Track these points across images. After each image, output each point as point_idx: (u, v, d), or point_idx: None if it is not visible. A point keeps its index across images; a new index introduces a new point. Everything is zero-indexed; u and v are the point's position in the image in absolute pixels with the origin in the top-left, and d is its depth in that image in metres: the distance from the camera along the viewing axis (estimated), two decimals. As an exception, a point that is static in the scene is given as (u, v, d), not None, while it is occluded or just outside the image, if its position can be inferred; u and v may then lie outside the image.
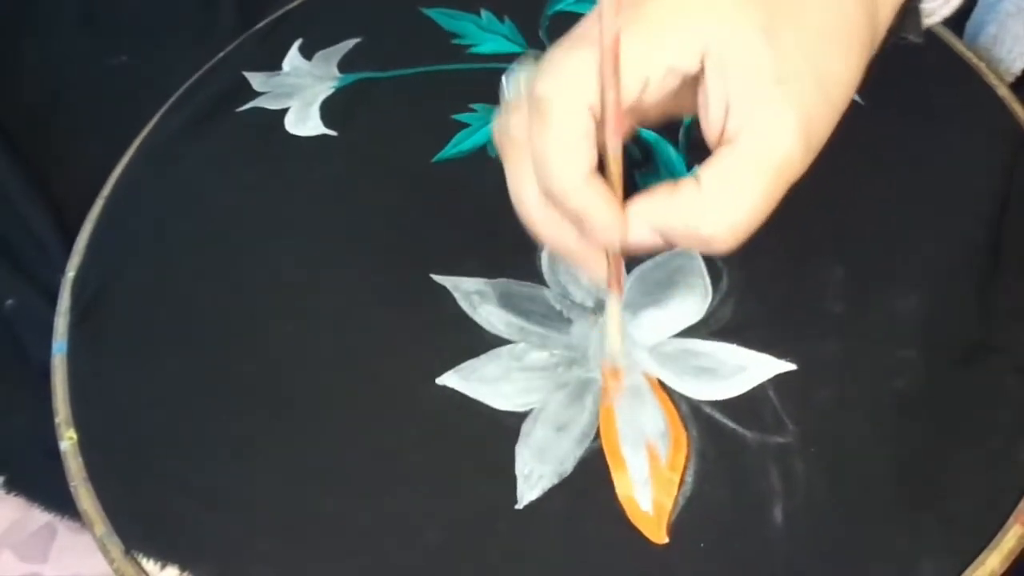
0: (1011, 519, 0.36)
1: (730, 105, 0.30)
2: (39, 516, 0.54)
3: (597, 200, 0.29)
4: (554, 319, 0.43)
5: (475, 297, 0.44)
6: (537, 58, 0.31)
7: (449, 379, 0.41)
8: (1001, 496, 0.37)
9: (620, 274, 0.33)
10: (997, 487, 0.37)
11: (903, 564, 0.35)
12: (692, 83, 0.31)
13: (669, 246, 0.31)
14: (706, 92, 0.30)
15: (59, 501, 0.52)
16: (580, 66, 0.28)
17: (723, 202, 0.29)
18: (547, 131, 0.28)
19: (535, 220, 0.31)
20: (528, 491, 0.38)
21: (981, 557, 0.35)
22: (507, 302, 0.43)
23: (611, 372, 0.40)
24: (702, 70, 0.30)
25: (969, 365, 0.40)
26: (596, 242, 0.31)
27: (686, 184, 0.29)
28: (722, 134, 0.30)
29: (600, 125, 0.29)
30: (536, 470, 0.38)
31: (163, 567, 0.38)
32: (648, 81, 0.29)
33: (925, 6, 0.38)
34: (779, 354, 0.40)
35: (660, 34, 0.29)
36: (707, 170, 0.29)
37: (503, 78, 0.33)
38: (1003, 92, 0.49)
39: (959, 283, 0.42)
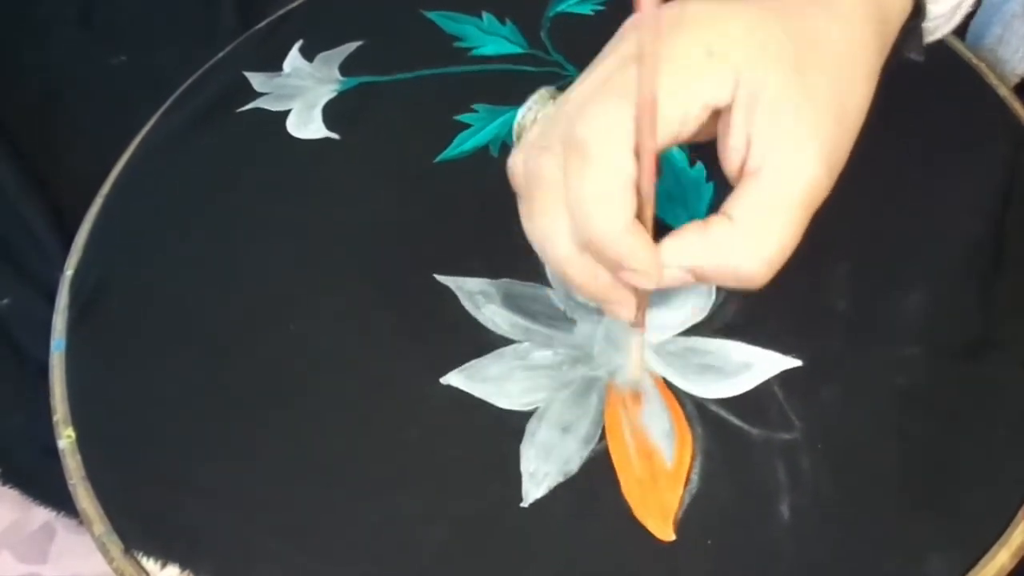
0: (1020, 514, 0.36)
1: (753, 137, 0.30)
2: (38, 516, 0.54)
3: (638, 248, 0.29)
4: (558, 319, 0.42)
5: (479, 297, 0.43)
6: (552, 95, 0.31)
7: (453, 378, 0.41)
8: (1009, 490, 0.37)
9: (645, 312, 0.34)
10: (1005, 481, 0.37)
11: (911, 559, 0.35)
12: (714, 112, 0.31)
13: (699, 281, 0.31)
14: (730, 123, 0.30)
15: (57, 499, 0.52)
16: (620, 114, 0.28)
17: (757, 238, 0.29)
18: (589, 179, 0.28)
19: (565, 264, 0.31)
20: (533, 489, 0.38)
21: (991, 552, 0.35)
22: (511, 302, 0.43)
23: (632, 397, 0.40)
24: (730, 102, 0.30)
25: (974, 361, 0.40)
26: (631, 286, 0.31)
27: (717, 222, 0.30)
28: (742, 166, 0.30)
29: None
30: (541, 468, 0.38)
31: (163, 566, 0.38)
32: (686, 119, 0.29)
33: (928, 24, 0.39)
34: (784, 351, 0.40)
35: (697, 72, 0.29)
36: (737, 206, 0.30)
37: (518, 113, 0.32)
38: (1004, 92, 0.49)
39: (962, 280, 0.42)
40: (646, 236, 0.29)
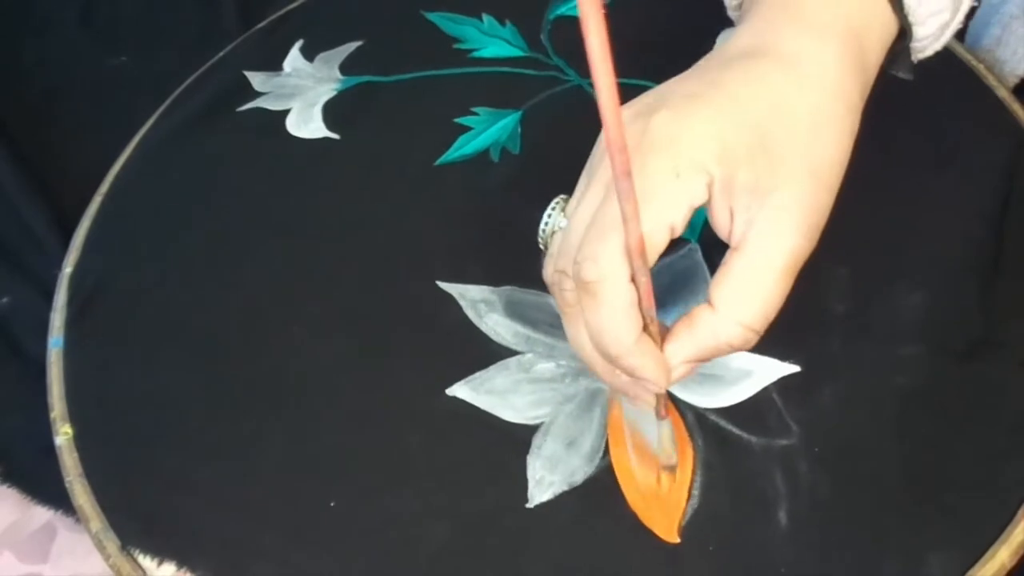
0: (1020, 512, 0.36)
1: (734, 216, 0.32)
2: (39, 516, 0.54)
3: (645, 360, 0.33)
4: (560, 327, 0.42)
5: (481, 306, 0.43)
6: (566, 202, 0.35)
7: (459, 390, 0.41)
8: (1009, 490, 0.37)
9: (667, 403, 0.37)
10: (1004, 481, 0.37)
11: (910, 560, 0.35)
12: None
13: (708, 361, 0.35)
14: (712, 207, 0.33)
15: (57, 498, 0.52)
16: (612, 250, 0.31)
17: (737, 313, 0.32)
18: (599, 311, 0.32)
19: (593, 364, 0.35)
20: (539, 494, 0.38)
21: (991, 551, 0.35)
22: (513, 311, 0.43)
23: (667, 474, 0.39)
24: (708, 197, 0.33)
25: (973, 361, 0.40)
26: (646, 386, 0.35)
27: (701, 315, 0.33)
28: (730, 236, 0.33)
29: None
30: (547, 478, 0.38)
31: (160, 563, 0.38)
32: (673, 229, 0.32)
33: (915, 44, 0.39)
34: (783, 356, 0.40)
35: (671, 194, 0.32)
36: (716, 289, 0.32)
37: (540, 226, 0.36)
38: (1003, 93, 0.50)
39: (961, 281, 0.42)
40: (652, 349, 0.33)
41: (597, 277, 0.32)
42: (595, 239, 0.32)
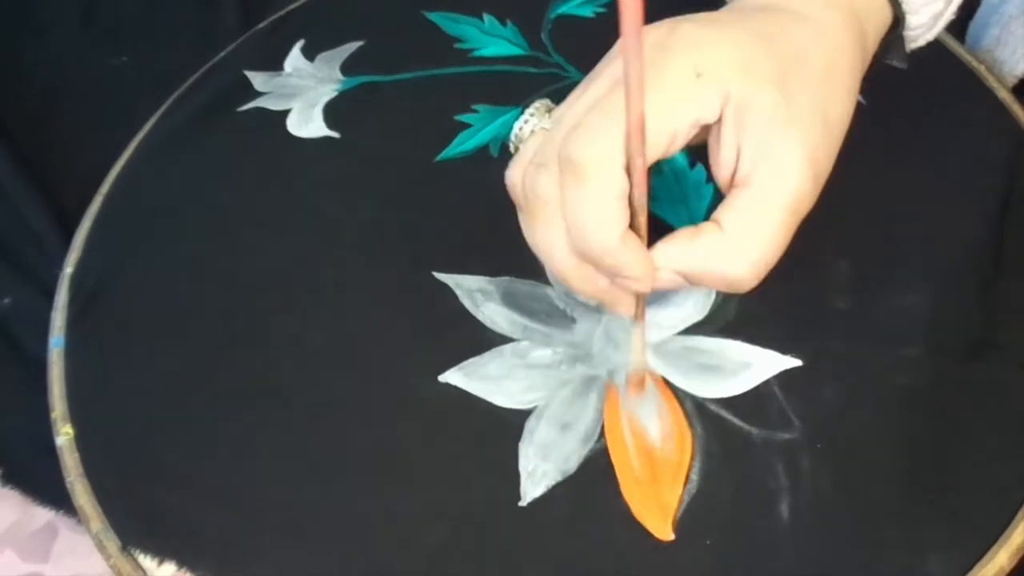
0: (1020, 514, 0.36)
1: (742, 149, 0.31)
2: (40, 516, 0.54)
3: (631, 258, 0.30)
4: (557, 317, 0.42)
5: (478, 295, 0.43)
6: (548, 108, 0.32)
7: (452, 376, 0.41)
8: (1009, 491, 0.37)
9: (643, 307, 0.35)
10: (1005, 482, 0.37)
11: (910, 559, 0.35)
12: (704, 126, 0.32)
13: (691, 285, 0.33)
14: (720, 137, 0.32)
15: (58, 498, 0.52)
16: (611, 135, 0.29)
17: (745, 244, 0.31)
18: (584, 196, 0.29)
19: (566, 274, 0.32)
20: (532, 488, 0.38)
21: (990, 553, 0.35)
22: (510, 300, 0.43)
23: (637, 382, 0.40)
24: (719, 117, 0.32)
25: (973, 361, 0.40)
26: (627, 290, 0.32)
27: (707, 229, 0.31)
28: (733, 177, 0.32)
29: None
30: (540, 467, 0.38)
31: (160, 563, 0.38)
32: (675, 135, 0.31)
33: (908, 34, 0.39)
34: (784, 350, 0.40)
35: (685, 90, 0.30)
36: (727, 214, 0.31)
37: (515, 125, 0.33)
38: (1003, 95, 0.50)
39: (962, 281, 0.42)
40: (639, 246, 0.31)
41: (588, 157, 0.29)
42: (591, 123, 0.30)
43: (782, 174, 0.31)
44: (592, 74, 0.34)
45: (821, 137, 0.32)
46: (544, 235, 0.32)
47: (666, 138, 0.30)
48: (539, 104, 0.34)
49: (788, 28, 0.34)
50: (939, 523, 0.36)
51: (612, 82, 0.31)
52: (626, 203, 0.30)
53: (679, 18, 0.33)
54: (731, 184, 0.32)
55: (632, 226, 0.30)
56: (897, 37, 0.39)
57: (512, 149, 0.33)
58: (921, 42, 0.41)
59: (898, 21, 0.38)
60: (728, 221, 0.31)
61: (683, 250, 0.31)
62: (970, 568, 0.35)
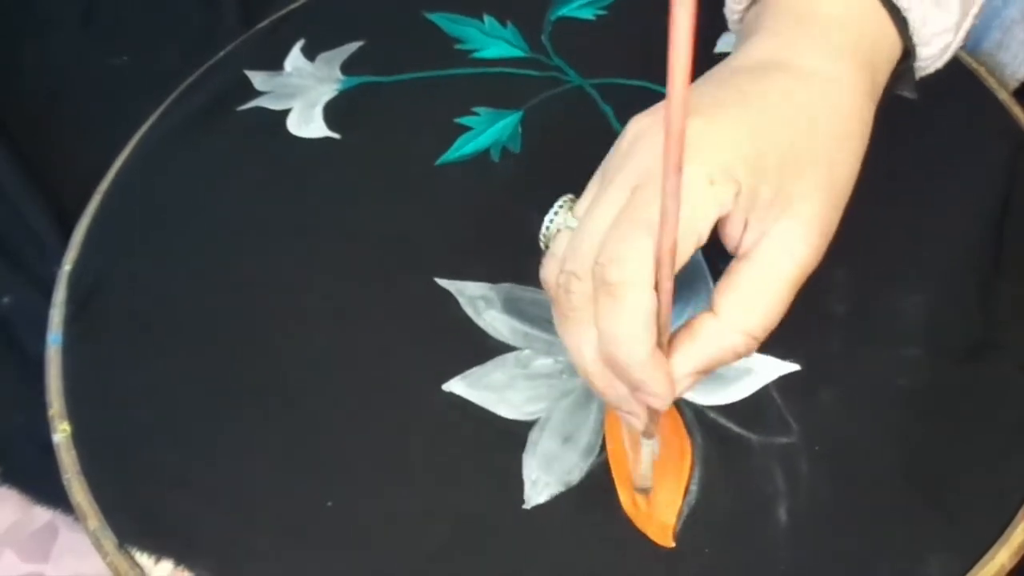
0: (1020, 514, 0.36)
1: (748, 225, 0.32)
2: (40, 516, 0.54)
3: (657, 375, 0.31)
4: (558, 324, 0.42)
5: (480, 302, 0.43)
6: (573, 202, 0.34)
7: (455, 386, 0.41)
8: (1008, 491, 0.37)
9: (656, 424, 0.36)
10: (1004, 482, 0.37)
11: (910, 560, 0.35)
12: None
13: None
14: (729, 217, 0.32)
15: (57, 497, 0.51)
16: (642, 254, 0.30)
17: (741, 320, 0.32)
18: (620, 316, 0.31)
19: (591, 374, 0.33)
20: (535, 496, 0.38)
21: (990, 552, 0.35)
22: (511, 307, 0.43)
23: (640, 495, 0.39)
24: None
25: (973, 363, 0.40)
26: (645, 403, 0.34)
27: (703, 322, 0.32)
28: (738, 246, 0.33)
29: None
30: (542, 479, 0.38)
31: (157, 561, 0.38)
32: (700, 239, 0.32)
33: (919, 64, 0.39)
34: (783, 355, 0.40)
35: (703, 201, 0.31)
36: (723, 294, 0.32)
37: (544, 221, 0.35)
38: (1004, 96, 0.50)
39: (962, 283, 0.43)
40: (664, 365, 0.32)
41: (624, 279, 0.30)
42: (623, 239, 0.31)
43: (785, 249, 0.32)
44: (607, 170, 0.34)
45: (825, 206, 0.33)
46: (575, 337, 0.33)
47: (692, 246, 0.32)
48: (567, 200, 0.35)
49: (794, 94, 0.34)
50: (939, 523, 0.36)
51: (631, 185, 0.32)
52: (655, 320, 0.31)
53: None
54: (737, 249, 0.33)
55: (658, 342, 0.32)
56: (908, 68, 0.39)
57: (542, 246, 0.35)
58: (931, 71, 0.41)
59: (908, 53, 0.38)
60: (721, 305, 0.32)
61: (689, 353, 0.32)
62: (970, 568, 0.35)
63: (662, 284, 0.30)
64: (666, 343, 0.32)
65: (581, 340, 0.33)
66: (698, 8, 0.23)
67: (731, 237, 0.33)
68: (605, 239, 0.31)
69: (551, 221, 0.35)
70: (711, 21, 0.42)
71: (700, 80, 0.35)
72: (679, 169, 0.26)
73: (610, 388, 0.33)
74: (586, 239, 0.32)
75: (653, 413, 0.35)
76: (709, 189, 0.31)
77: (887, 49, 0.37)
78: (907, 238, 0.44)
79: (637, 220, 0.31)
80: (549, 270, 0.34)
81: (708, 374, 0.33)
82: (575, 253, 0.32)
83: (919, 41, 0.38)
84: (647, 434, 0.36)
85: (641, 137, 0.33)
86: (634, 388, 0.32)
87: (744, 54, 0.36)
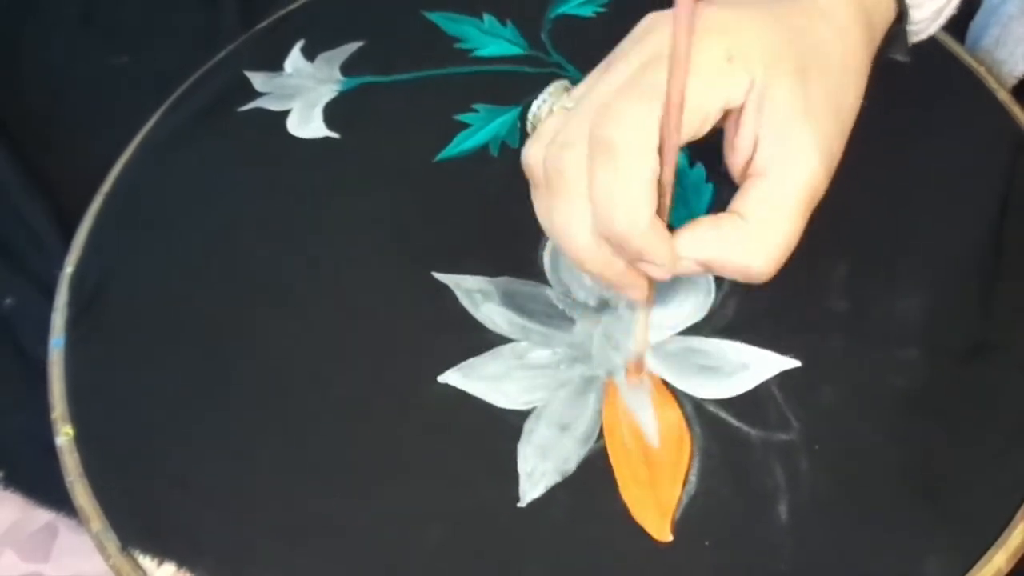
0: (1018, 516, 0.36)
1: (760, 138, 0.32)
2: (40, 516, 0.54)
3: (658, 242, 0.30)
4: (556, 317, 0.42)
5: (477, 295, 0.43)
6: (567, 88, 0.32)
7: (451, 377, 0.41)
8: (1007, 493, 0.37)
9: (653, 289, 0.35)
10: (1002, 484, 0.37)
11: (908, 561, 0.35)
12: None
13: (710, 272, 0.33)
14: (739, 124, 0.32)
15: (59, 499, 0.52)
16: (646, 115, 0.29)
17: (766, 234, 0.31)
18: (617, 177, 0.29)
19: (583, 255, 0.32)
20: (531, 489, 0.38)
21: (988, 555, 0.35)
22: (509, 300, 0.43)
23: (635, 367, 0.40)
24: (742, 103, 0.32)
25: (972, 363, 0.40)
26: (647, 274, 0.33)
27: (729, 219, 0.31)
28: (747, 165, 0.32)
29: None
30: (539, 468, 0.38)
31: (160, 563, 0.38)
32: (707, 118, 0.31)
33: (911, 27, 0.40)
34: (782, 351, 0.40)
35: (718, 75, 0.31)
36: (746, 204, 0.31)
37: (533, 104, 0.33)
38: (1003, 96, 0.50)
39: (961, 282, 0.42)
40: (665, 231, 0.31)
41: (623, 138, 0.29)
42: (625, 100, 0.30)
43: (798, 164, 0.31)
44: (620, 51, 0.33)
45: (834, 128, 0.33)
46: (565, 215, 0.31)
47: (699, 119, 0.31)
48: (558, 84, 0.33)
49: (811, 21, 0.34)
50: (936, 525, 0.36)
51: (640, 63, 0.31)
52: (656, 186, 0.30)
53: (705, 1, 0.32)
54: (744, 172, 0.33)
55: (658, 208, 0.30)
56: (900, 31, 0.40)
57: (529, 129, 0.33)
58: (924, 35, 0.41)
59: (902, 15, 0.39)
60: (748, 211, 0.31)
61: (706, 239, 0.31)
62: (968, 570, 0.35)
63: (668, 140, 0.28)
64: (668, 209, 0.30)
65: (573, 218, 0.31)
66: None
67: (740, 151, 0.32)
68: (607, 103, 0.30)
69: (544, 101, 0.33)
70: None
71: None
72: (691, 9, 0.25)
73: (605, 267, 0.32)
74: (586, 107, 0.31)
75: (652, 283, 0.34)
76: (726, 66, 0.31)
77: (883, 10, 0.38)
78: (907, 237, 0.44)
79: (643, 86, 0.30)
80: (533, 151, 0.32)
81: (708, 271, 0.32)
82: (571, 126, 0.31)
83: (912, 3, 0.39)
84: (648, 302, 0.35)
85: (654, 27, 0.33)
86: (634, 259, 0.31)
87: None
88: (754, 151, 0.32)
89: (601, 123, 0.29)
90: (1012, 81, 0.52)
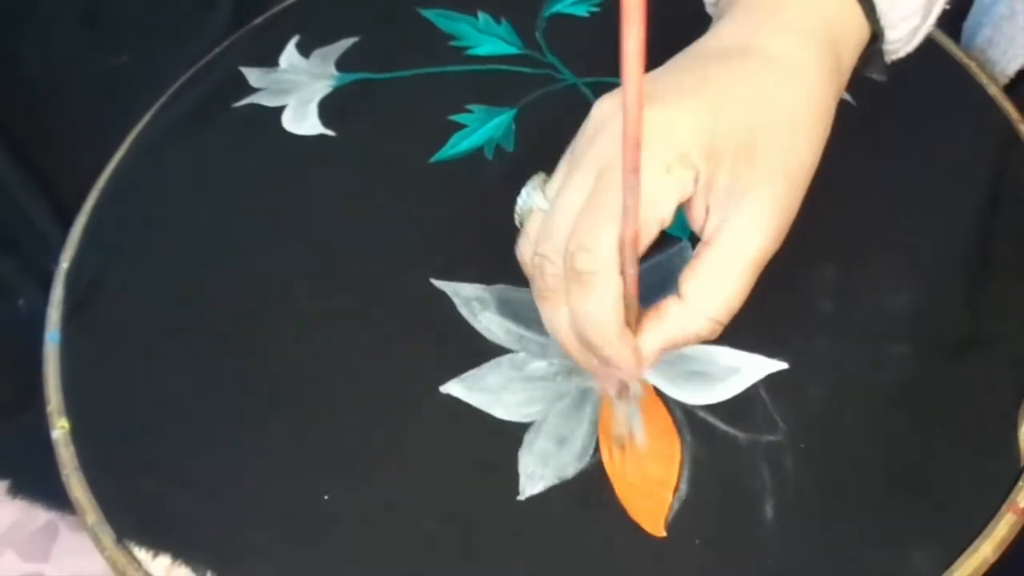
0: (1004, 507, 0.36)
1: (709, 211, 0.34)
2: (41, 516, 0.54)
3: (625, 352, 0.34)
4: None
5: (475, 304, 0.44)
6: (545, 180, 0.36)
7: (453, 388, 0.41)
8: (992, 485, 0.37)
9: (627, 387, 0.38)
10: (988, 477, 0.37)
11: (895, 555, 0.36)
12: None
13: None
14: (691, 202, 0.34)
15: (62, 499, 0.52)
16: (608, 242, 0.32)
17: (705, 306, 0.33)
18: (588, 302, 0.33)
19: (568, 347, 0.36)
20: (530, 487, 0.38)
21: (974, 544, 0.35)
22: (506, 309, 0.43)
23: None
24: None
25: (959, 359, 0.40)
26: (617, 375, 0.36)
27: (669, 306, 0.34)
28: (702, 231, 0.34)
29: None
30: (538, 472, 0.39)
31: (155, 556, 0.38)
32: (663, 222, 0.33)
33: (887, 47, 0.40)
34: (770, 353, 0.41)
35: (662, 188, 0.33)
36: (688, 279, 0.34)
37: (518, 200, 0.36)
38: (994, 91, 0.50)
39: (949, 279, 0.43)
40: (631, 341, 0.34)
41: (592, 268, 0.32)
42: (590, 229, 0.33)
43: (744, 236, 0.33)
44: (574, 157, 0.35)
45: (784, 192, 0.34)
46: (551, 312, 0.35)
47: (656, 229, 0.33)
48: (538, 178, 0.36)
49: (755, 78, 0.35)
50: (923, 516, 0.36)
51: (596, 172, 0.33)
52: (622, 303, 0.33)
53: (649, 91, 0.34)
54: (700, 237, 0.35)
55: (626, 320, 0.34)
56: (876, 51, 0.40)
57: (517, 222, 0.37)
58: (901, 54, 0.41)
59: (876, 36, 0.39)
60: (687, 290, 0.34)
61: (656, 332, 0.34)
62: (954, 560, 0.35)
63: (627, 270, 0.32)
64: (635, 320, 0.34)
65: (556, 316, 0.35)
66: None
67: (695, 221, 0.35)
68: (574, 227, 0.33)
69: (524, 201, 0.36)
70: (699, 12, 0.42)
71: (666, 65, 0.36)
72: (636, 169, 0.28)
73: (585, 358, 0.36)
74: (557, 224, 0.34)
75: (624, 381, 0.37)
76: (666, 177, 0.33)
77: (855, 33, 0.38)
78: (896, 234, 0.44)
79: (602, 209, 0.32)
80: (524, 250, 0.36)
81: (675, 351, 0.35)
82: (547, 237, 0.34)
83: (887, 24, 0.38)
84: (618, 395, 0.38)
85: (605, 124, 0.34)
86: (604, 363, 0.35)
87: (710, 37, 0.37)
88: (705, 220, 0.34)
89: (572, 254, 0.33)
90: (1003, 80, 0.53)
